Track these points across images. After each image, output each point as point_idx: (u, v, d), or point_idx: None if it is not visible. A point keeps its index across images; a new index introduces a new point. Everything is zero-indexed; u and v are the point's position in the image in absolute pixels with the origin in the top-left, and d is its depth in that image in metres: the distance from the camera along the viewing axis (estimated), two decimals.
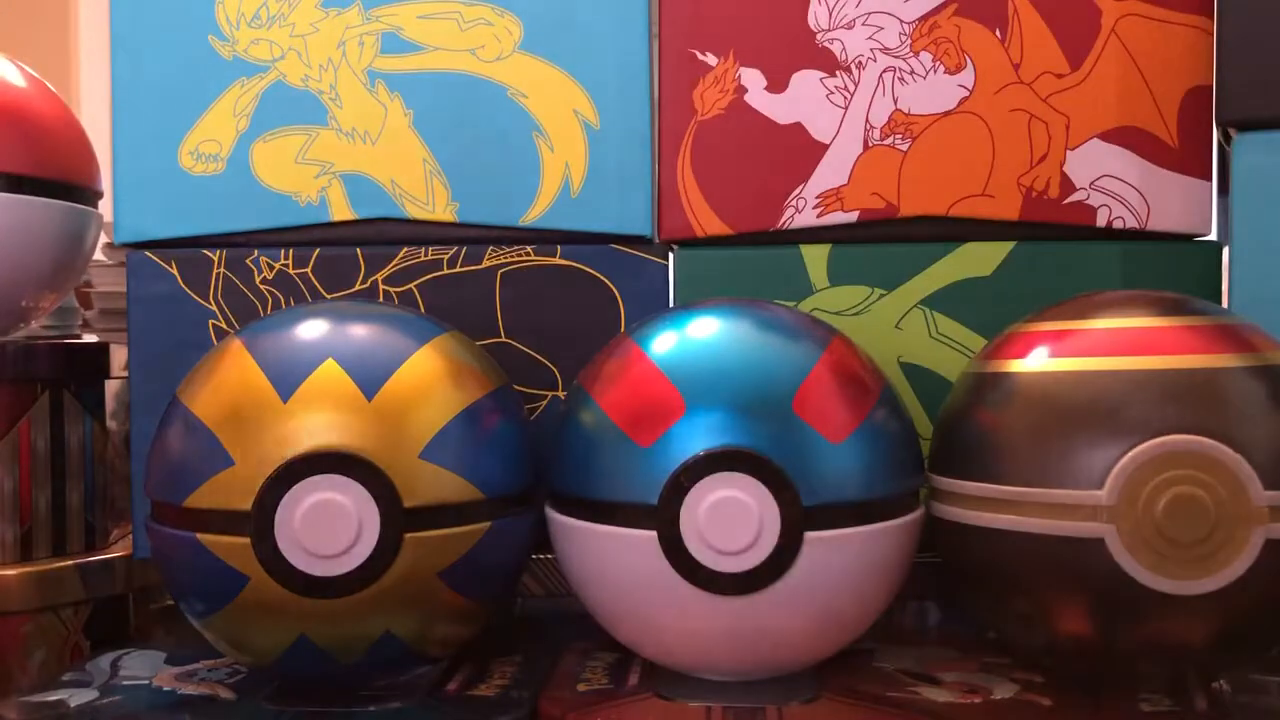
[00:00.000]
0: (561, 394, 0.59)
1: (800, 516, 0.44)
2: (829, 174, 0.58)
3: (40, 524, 0.61)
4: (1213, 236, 0.57)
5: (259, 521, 0.44)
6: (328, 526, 0.44)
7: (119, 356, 0.67)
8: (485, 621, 0.50)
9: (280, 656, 0.46)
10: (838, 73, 0.57)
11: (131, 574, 0.62)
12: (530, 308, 0.59)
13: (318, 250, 0.59)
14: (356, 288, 0.59)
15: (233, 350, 0.48)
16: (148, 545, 0.51)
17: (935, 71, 0.57)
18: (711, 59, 0.58)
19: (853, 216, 0.58)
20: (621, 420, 0.46)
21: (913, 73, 0.57)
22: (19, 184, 0.59)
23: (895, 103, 0.57)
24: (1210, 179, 0.56)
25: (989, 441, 0.45)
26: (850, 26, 0.57)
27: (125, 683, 0.51)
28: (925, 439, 0.52)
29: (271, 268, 0.59)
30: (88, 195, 0.63)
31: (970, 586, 0.48)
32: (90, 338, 0.74)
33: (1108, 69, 0.56)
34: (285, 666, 0.47)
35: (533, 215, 0.59)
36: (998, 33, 0.57)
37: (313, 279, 0.59)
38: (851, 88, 0.57)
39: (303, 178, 0.59)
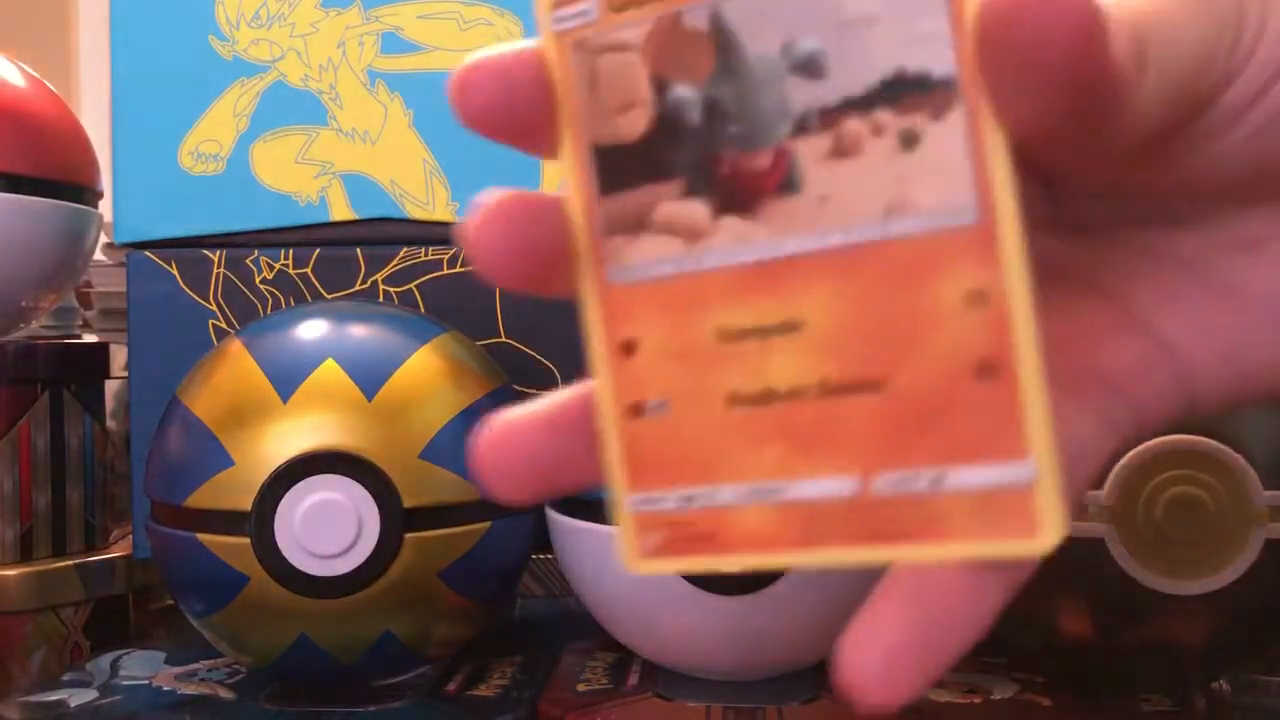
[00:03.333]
0: None
1: None
2: None
3: (40, 524, 0.61)
4: None
5: (259, 521, 0.44)
6: (327, 526, 0.44)
7: (119, 356, 0.67)
8: (485, 622, 0.50)
9: (280, 656, 0.46)
10: None
11: (132, 574, 0.62)
12: (530, 308, 0.59)
13: (318, 250, 0.59)
14: (356, 288, 0.59)
15: (232, 350, 0.48)
16: (148, 545, 0.51)
17: None
18: None
19: None
20: None
21: None
22: (18, 184, 0.59)
23: None
24: None
25: None
26: None
27: (125, 683, 0.51)
28: None
29: (271, 268, 0.59)
30: (87, 195, 0.63)
31: None
32: (90, 338, 0.74)
33: None
34: (285, 666, 0.47)
35: None
36: None
37: (313, 279, 0.59)
38: None
39: (303, 177, 0.59)
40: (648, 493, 0.23)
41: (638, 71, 0.22)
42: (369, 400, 0.45)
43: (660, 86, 0.22)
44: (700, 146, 0.22)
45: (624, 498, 0.23)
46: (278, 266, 0.59)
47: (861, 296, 0.21)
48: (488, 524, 0.47)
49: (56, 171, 0.61)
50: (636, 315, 0.23)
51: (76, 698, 0.49)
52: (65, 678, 0.52)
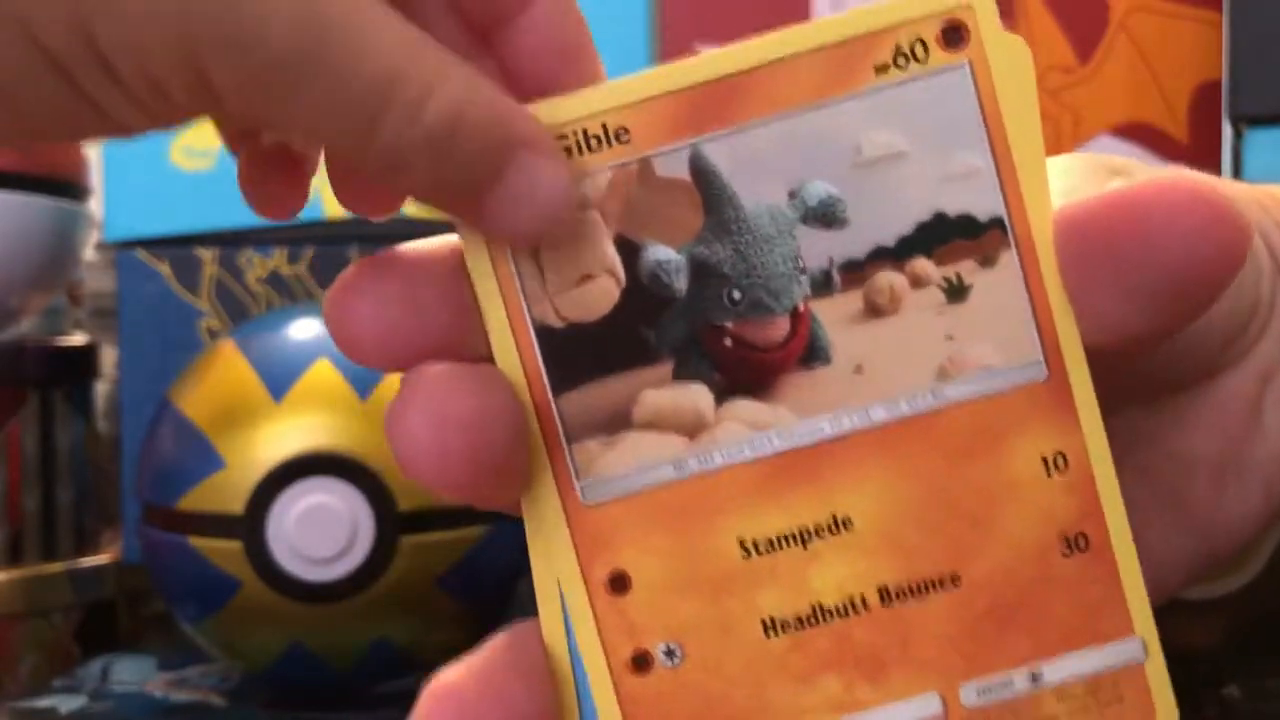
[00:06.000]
0: None
1: None
2: None
3: (30, 527, 0.60)
4: None
5: (251, 525, 0.43)
6: (321, 530, 0.43)
7: (110, 356, 0.66)
8: (483, 628, 0.49)
9: (273, 663, 0.46)
10: None
11: (122, 578, 0.62)
12: None
13: (311, 249, 0.59)
14: None
15: (224, 350, 0.47)
16: (139, 549, 0.50)
17: None
18: None
19: None
20: None
21: None
22: (6, 180, 0.58)
23: None
24: (1220, 176, 0.56)
25: None
26: None
27: (116, 689, 0.50)
28: None
29: (264, 266, 0.59)
30: (77, 191, 0.63)
31: None
32: (81, 337, 0.73)
33: (1117, 63, 0.55)
34: (278, 673, 0.47)
35: None
36: None
37: (306, 278, 0.59)
38: None
39: None
40: None
41: (597, 233, 0.18)
42: (363, 400, 0.45)
43: (630, 250, 0.18)
44: (691, 319, 0.18)
45: None
46: (270, 265, 0.59)
47: (918, 478, 0.18)
48: (484, 528, 0.46)
49: (45, 167, 0.60)
50: (625, 539, 0.18)
51: (67, 704, 0.48)
52: (55, 684, 0.51)
